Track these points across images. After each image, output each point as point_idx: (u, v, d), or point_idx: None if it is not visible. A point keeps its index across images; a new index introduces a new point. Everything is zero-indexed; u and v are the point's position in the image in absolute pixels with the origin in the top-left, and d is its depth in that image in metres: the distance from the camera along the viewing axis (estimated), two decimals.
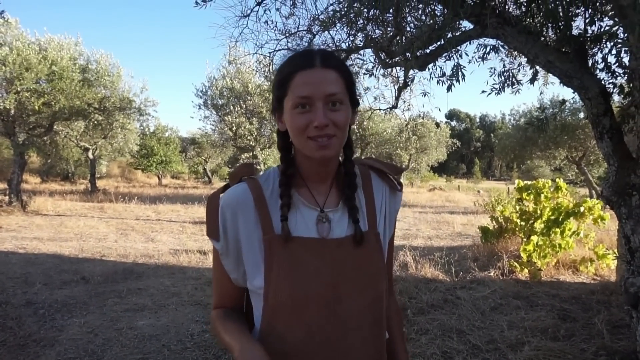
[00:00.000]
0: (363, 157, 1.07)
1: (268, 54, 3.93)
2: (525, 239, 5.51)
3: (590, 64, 2.93)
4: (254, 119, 13.20)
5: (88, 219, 10.46)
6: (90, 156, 18.13)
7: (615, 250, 5.10)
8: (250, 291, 0.95)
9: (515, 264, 5.23)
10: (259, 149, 13.47)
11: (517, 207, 6.10)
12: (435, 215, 12.84)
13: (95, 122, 14.60)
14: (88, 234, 8.57)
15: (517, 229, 6.02)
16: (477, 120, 66.52)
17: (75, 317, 3.98)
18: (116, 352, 3.27)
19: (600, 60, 3.02)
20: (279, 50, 3.59)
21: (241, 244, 0.89)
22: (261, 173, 0.97)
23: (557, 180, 5.89)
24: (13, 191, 11.70)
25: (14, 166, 12.08)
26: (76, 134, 16.46)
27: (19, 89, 10.67)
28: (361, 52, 3.79)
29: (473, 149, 61.29)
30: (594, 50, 3.03)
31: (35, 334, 3.57)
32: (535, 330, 3.55)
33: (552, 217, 5.51)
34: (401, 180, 1.05)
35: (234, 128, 13.27)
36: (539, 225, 5.51)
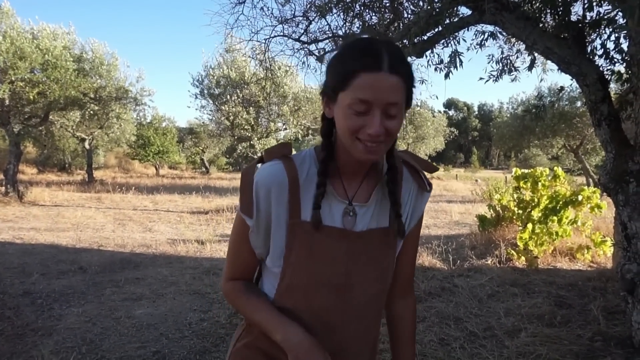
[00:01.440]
0: (400, 150, 1.04)
1: (264, 41, 3.90)
2: (522, 227, 5.53)
3: (588, 50, 2.91)
4: (251, 108, 13.13)
5: (85, 210, 10.44)
6: (87, 146, 18.06)
7: (612, 238, 5.12)
8: (266, 266, 0.97)
9: (513, 252, 5.25)
10: (256, 138, 13.42)
11: (515, 196, 6.11)
12: (432, 204, 12.86)
13: (91, 112, 14.51)
14: (85, 224, 8.56)
15: (514, 217, 6.04)
16: (475, 109, 66.38)
17: (73, 306, 3.98)
18: (114, 341, 3.27)
19: (599, 47, 3.00)
20: (275, 36, 3.54)
21: (271, 223, 0.89)
22: (296, 153, 0.95)
23: (555, 168, 5.89)
24: (9, 181, 11.65)
25: (9, 156, 12.02)
26: (72, 124, 16.36)
27: (13, 79, 10.56)
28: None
29: (471, 138, 61.27)
30: (592, 37, 3.02)
31: (33, 323, 3.58)
32: (531, 317, 3.57)
33: (550, 206, 5.52)
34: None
35: (231, 118, 13.21)
36: (536, 214, 5.52)
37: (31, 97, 10.99)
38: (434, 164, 1.19)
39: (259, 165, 0.92)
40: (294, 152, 0.96)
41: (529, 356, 2.91)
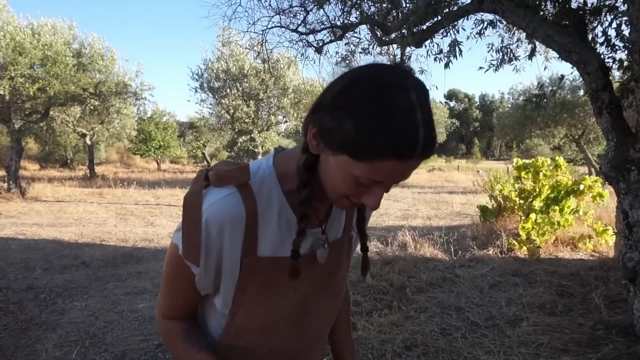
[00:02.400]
0: None
1: (260, 32, 3.87)
2: (524, 217, 5.52)
3: (589, 38, 2.89)
4: (251, 101, 13.09)
5: (87, 205, 10.46)
6: (88, 142, 18.05)
7: (614, 227, 5.11)
8: (212, 303, 0.85)
9: (514, 242, 5.25)
10: (256, 131, 13.40)
11: (516, 186, 6.10)
12: (434, 196, 12.85)
13: (92, 107, 14.48)
14: (87, 219, 8.58)
15: (516, 207, 6.03)
16: (477, 100, 66.08)
17: (76, 300, 4.01)
18: (117, 334, 3.29)
19: (600, 34, 2.98)
20: (272, 27, 3.52)
21: (222, 263, 0.76)
22: (251, 170, 0.77)
23: (557, 158, 5.87)
24: (11, 178, 11.67)
25: (11, 153, 12.03)
26: (73, 120, 16.34)
27: (13, 75, 10.54)
28: (357, 30, 3.73)
29: (472, 129, 61.07)
30: (593, 24, 2.99)
31: (36, 317, 3.60)
32: (533, 306, 3.58)
33: (551, 195, 5.51)
34: None
35: (231, 111, 13.18)
36: (537, 204, 5.51)
37: (31, 92, 10.97)
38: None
39: (205, 191, 0.75)
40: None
41: (530, 345, 2.92)
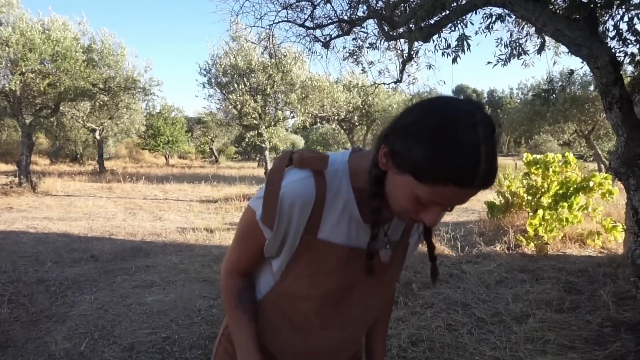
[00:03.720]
0: None
1: (267, 27, 3.86)
2: (532, 214, 5.48)
3: (600, 32, 2.85)
4: (259, 96, 13.10)
5: (97, 199, 10.56)
6: (97, 137, 18.20)
7: (623, 223, 5.06)
8: (269, 264, 0.96)
9: (522, 238, 5.22)
10: (263, 127, 13.40)
11: (525, 182, 6.05)
12: None
13: (101, 102, 14.58)
14: (97, 214, 8.67)
15: (523, 203, 5.98)
16: (485, 95, 65.52)
17: (85, 293, 4.06)
18: (125, 327, 3.33)
19: (611, 28, 2.94)
20: (279, 22, 3.51)
21: (288, 234, 0.86)
22: (330, 161, 0.86)
23: (567, 154, 5.81)
24: (22, 172, 11.81)
25: (22, 147, 12.16)
26: (82, 115, 16.48)
27: (23, 70, 10.64)
28: (364, 24, 3.71)
29: None
30: (604, 17, 2.94)
31: (47, 310, 3.65)
32: (540, 302, 3.56)
33: (560, 192, 5.46)
34: None
35: (239, 106, 13.19)
36: (546, 200, 5.47)
37: (42, 88, 11.07)
38: None
39: (287, 169, 0.85)
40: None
41: (537, 342, 2.91)
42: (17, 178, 11.84)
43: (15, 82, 10.58)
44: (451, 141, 0.67)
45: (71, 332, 3.22)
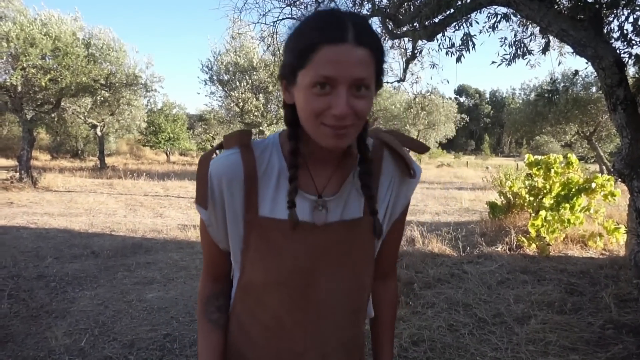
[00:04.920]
0: (384, 130, 0.93)
1: (272, 23, 3.84)
2: (533, 214, 5.47)
3: (605, 32, 2.83)
4: (260, 94, 13.09)
5: (97, 195, 10.56)
6: (99, 133, 18.19)
7: (625, 225, 5.05)
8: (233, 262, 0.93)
9: (523, 238, 5.21)
10: (265, 125, 13.41)
11: (526, 183, 6.04)
12: (443, 191, 12.79)
13: (102, 98, 14.59)
14: (97, 210, 8.66)
15: (525, 204, 5.98)
16: (487, 96, 65.46)
17: (85, 289, 4.05)
18: (126, 324, 3.32)
19: (616, 28, 2.92)
20: (283, 19, 3.49)
21: (226, 216, 0.84)
22: (258, 140, 0.87)
23: (569, 155, 5.80)
24: (23, 167, 11.80)
25: (23, 143, 12.16)
26: (83, 111, 16.48)
27: (24, 65, 10.63)
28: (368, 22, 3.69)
29: (482, 125, 60.58)
30: (609, 18, 2.93)
31: (47, 305, 3.64)
32: (541, 304, 3.55)
33: (562, 193, 5.45)
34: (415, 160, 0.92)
35: (241, 104, 13.19)
36: (548, 201, 5.46)
37: (43, 83, 11.07)
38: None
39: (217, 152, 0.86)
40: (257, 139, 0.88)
41: (538, 343, 2.90)
42: (17, 173, 11.84)
43: (16, 77, 10.57)
44: (310, 16, 0.74)
45: (71, 328, 3.22)
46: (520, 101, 22.42)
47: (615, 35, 2.91)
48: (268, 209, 0.83)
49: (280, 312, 0.87)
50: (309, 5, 3.52)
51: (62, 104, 13.98)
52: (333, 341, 0.91)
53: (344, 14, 0.72)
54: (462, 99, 62.59)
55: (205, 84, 14.42)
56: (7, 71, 11.03)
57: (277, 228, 0.83)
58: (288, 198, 0.80)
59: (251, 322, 0.90)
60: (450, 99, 29.87)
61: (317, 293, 0.86)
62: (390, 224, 0.94)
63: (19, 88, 11.40)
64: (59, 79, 11.43)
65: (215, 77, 13.89)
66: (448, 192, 12.36)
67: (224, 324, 0.95)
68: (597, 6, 2.63)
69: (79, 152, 25.19)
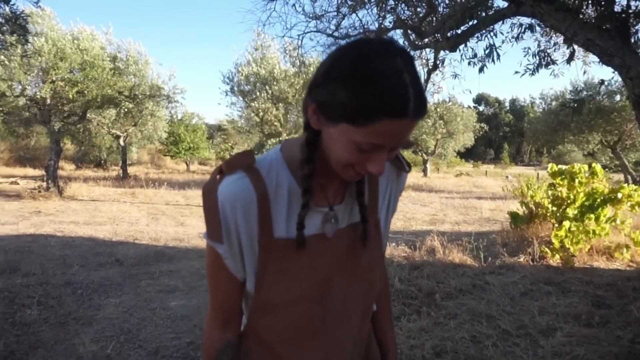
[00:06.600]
0: None
1: (297, 37, 3.92)
2: (557, 225, 5.37)
3: (632, 42, 2.81)
4: (280, 104, 13.23)
5: (120, 204, 10.77)
6: (122, 143, 18.61)
7: None
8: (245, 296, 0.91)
9: (547, 249, 5.12)
10: (285, 134, 13.52)
11: (550, 192, 5.94)
12: (462, 201, 12.65)
13: (126, 109, 14.94)
14: (121, 218, 8.84)
15: (548, 214, 5.87)
16: (507, 104, 64.72)
17: (111, 297, 4.13)
18: (151, 331, 3.38)
19: None
20: (308, 32, 3.56)
21: (242, 242, 0.81)
22: (259, 158, 0.84)
23: (594, 165, 5.69)
24: (50, 177, 12.13)
25: (50, 153, 12.51)
26: (108, 122, 16.89)
27: (54, 79, 10.99)
28: (390, 34, 3.73)
29: (502, 134, 59.82)
30: (636, 27, 2.90)
31: (74, 312, 3.73)
32: (567, 316, 3.48)
33: (587, 203, 5.34)
34: (406, 161, 0.98)
35: (261, 114, 13.35)
36: (572, 211, 5.35)
37: (70, 96, 11.43)
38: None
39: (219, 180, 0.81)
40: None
41: (565, 356, 2.84)
42: (44, 183, 12.17)
43: (45, 90, 10.93)
44: (373, 73, 0.66)
45: (98, 335, 3.29)
46: (541, 110, 22.10)
47: None
48: (283, 230, 0.82)
49: (299, 325, 0.87)
50: (332, 19, 3.58)
51: (88, 115, 14.37)
52: (350, 345, 0.94)
53: (405, 74, 0.66)
54: (481, 108, 62.04)
55: (226, 94, 14.66)
56: (37, 84, 11.41)
57: (294, 247, 0.82)
58: (298, 220, 0.80)
59: (271, 337, 0.89)
60: (469, 107, 29.62)
61: (334, 299, 0.88)
62: (392, 215, 0.99)
63: (48, 100, 11.77)
64: (86, 92, 11.78)
65: (236, 88, 14.11)
66: (468, 202, 12.22)
67: None
68: (624, 16, 2.61)
69: (102, 162, 25.77)
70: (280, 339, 0.89)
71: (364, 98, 0.66)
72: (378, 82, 0.65)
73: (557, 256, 5.07)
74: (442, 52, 3.58)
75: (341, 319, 0.90)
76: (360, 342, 0.99)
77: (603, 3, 2.49)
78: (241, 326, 0.93)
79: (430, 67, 3.98)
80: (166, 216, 9.34)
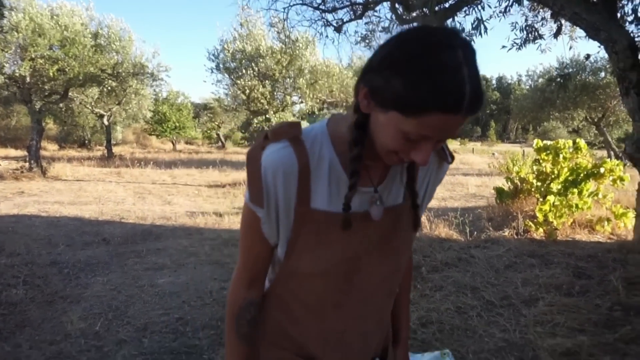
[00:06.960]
0: None
1: (282, 10, 3.84)
2: (541, 199, 5.47)
3: (619, 16, 2.80)
4: (267, 81, 13.06)
5: (106, 184, 10.65)
6: (106, 122, 18.26)
7: (634, 210, 5.04)
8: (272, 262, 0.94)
9: (531, 223, 5.22)
10: (272, 112, 13.39)
11: (534, 168, 6.02)
12: (449, 177, 12.75)
13: (109, 88, 14.60)
14: (107, 198, 8.75)
15: (533, 189, 5.97)
16: (494, 82, 64.77)
17: (98, 275, 4.12)
18: (139, 308, 3.39)
19: (629, 12, 2.88)
20: (294, 5, 3.48)
21: (279, 209, 0.83)
22: (305, 129, 0.84)
23: (577, 140, 5.77)
24: (33, 157, 11.91)
25: (32, 133, 12.26)
26: (91, 101, 16.53)
27: (33, 56, 10.67)
28: (377, 8, 3.68)
29: (489, 112, 60.06)
30: (623, 1, 2.89)
31: (61, 291, 3.72)
32: (549, 286, 3.57)
33: (570, 178, 5.43)
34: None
35: (247, 91, 13.17)
36: (556, 186, 5.44)
37: (51, 73, 11.12)
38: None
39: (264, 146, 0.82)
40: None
41: (546, 324, 2.93)
42: (27, 163, 11.95)
43: (25, 68, 10.62)
44: (432, 65, 0.64)
45: (86, 313, 3.29)
46: (527, 87, 22.20)
47: (629, 18, 2.88)
48: (323, 202, 0.83)
49: (323, 295, 0.90)
50: None
51: (70, 94, 14.04)
52: (371, 321, 0.97)
53: (465, 69, 0.65)
54: None
55: (212, 72, 14.36)
56: (15, 62, 11.07)
57: (331, 221, 0.83)
58: (344, 201, 0.81)
59: (293, 302, 0.92)
60: None
61: (360, 277, 0.89)
62: (428, 204, 1.01)
63: (28, 79, 11.45)
64: (67, 69, 11.47)
65: (221, 65, 13.85)
66: (454, 178, 12.32)
67: (252, 340, 0.94)
68: None
69: (86, 141, 25.33)
70: (302, 305, 0.92)
71: (418, 90, 0.65)
72: (435, 76, 0.64)
73: (541, 230, 5.17)
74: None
75: (365, 296, 0.92)
76: (384, 321, 1.02)
77: None
78: (264, 287, 0.96)
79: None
80: (153, 195, 9.27)
